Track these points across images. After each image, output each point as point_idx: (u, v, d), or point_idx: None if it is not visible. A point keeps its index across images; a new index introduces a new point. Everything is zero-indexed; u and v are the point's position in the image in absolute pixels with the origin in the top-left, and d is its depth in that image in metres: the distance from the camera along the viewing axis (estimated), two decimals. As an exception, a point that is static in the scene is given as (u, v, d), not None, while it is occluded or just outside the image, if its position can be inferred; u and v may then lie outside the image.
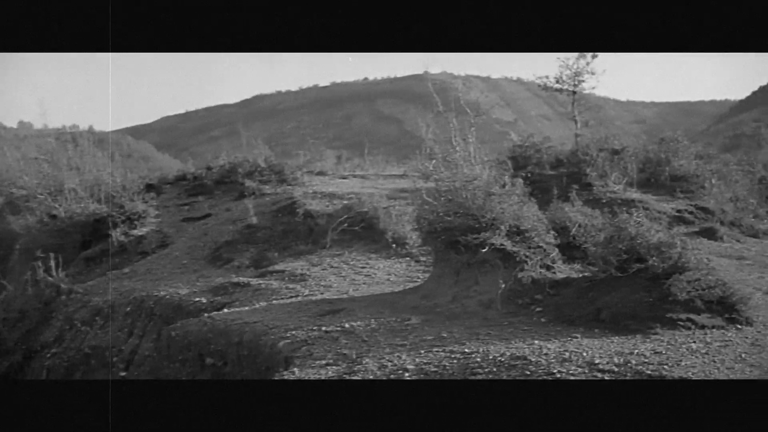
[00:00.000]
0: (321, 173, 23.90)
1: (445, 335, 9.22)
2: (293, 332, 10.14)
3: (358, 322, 10.27)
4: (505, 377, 7.53)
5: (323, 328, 10.13)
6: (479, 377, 7.63)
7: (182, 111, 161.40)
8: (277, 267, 15.29)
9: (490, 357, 8.08)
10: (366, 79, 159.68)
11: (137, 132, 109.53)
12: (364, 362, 8.47)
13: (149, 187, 22.25)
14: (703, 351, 7.79)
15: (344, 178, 23.57)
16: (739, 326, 8.79)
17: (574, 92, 20.87)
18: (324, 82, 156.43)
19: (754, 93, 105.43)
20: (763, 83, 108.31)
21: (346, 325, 10.15)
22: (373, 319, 10.40)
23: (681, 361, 7.44)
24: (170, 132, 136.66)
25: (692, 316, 8.77)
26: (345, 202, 18.18)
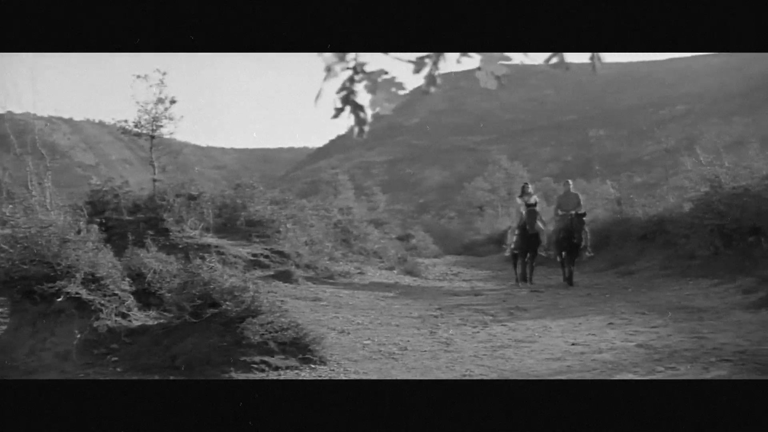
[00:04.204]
0: None
1: (17, 392, 8.67)
2: None
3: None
4: None
5: None
6: None
7: None
8: None
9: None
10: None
11: None
12: None
13: None
14: (277, 392, 8.04)
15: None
16: (313, 366, 9.15)
17: (153, 137, 20.71)
18: None
19: (332, 141, 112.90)
20: (341, 132, 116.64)
21: None
22: (-57, 380, 9.54)
23: (254, 403, 7.61)
24: None
25: (266, 358, 8.99)
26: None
